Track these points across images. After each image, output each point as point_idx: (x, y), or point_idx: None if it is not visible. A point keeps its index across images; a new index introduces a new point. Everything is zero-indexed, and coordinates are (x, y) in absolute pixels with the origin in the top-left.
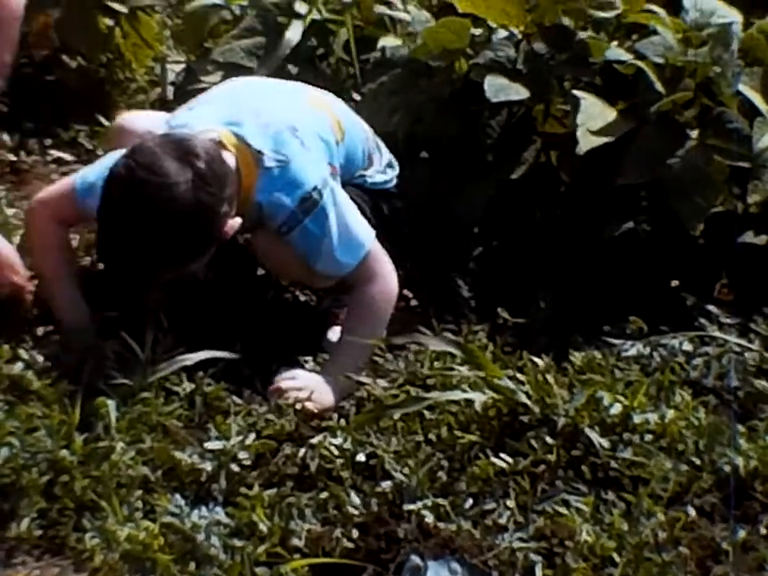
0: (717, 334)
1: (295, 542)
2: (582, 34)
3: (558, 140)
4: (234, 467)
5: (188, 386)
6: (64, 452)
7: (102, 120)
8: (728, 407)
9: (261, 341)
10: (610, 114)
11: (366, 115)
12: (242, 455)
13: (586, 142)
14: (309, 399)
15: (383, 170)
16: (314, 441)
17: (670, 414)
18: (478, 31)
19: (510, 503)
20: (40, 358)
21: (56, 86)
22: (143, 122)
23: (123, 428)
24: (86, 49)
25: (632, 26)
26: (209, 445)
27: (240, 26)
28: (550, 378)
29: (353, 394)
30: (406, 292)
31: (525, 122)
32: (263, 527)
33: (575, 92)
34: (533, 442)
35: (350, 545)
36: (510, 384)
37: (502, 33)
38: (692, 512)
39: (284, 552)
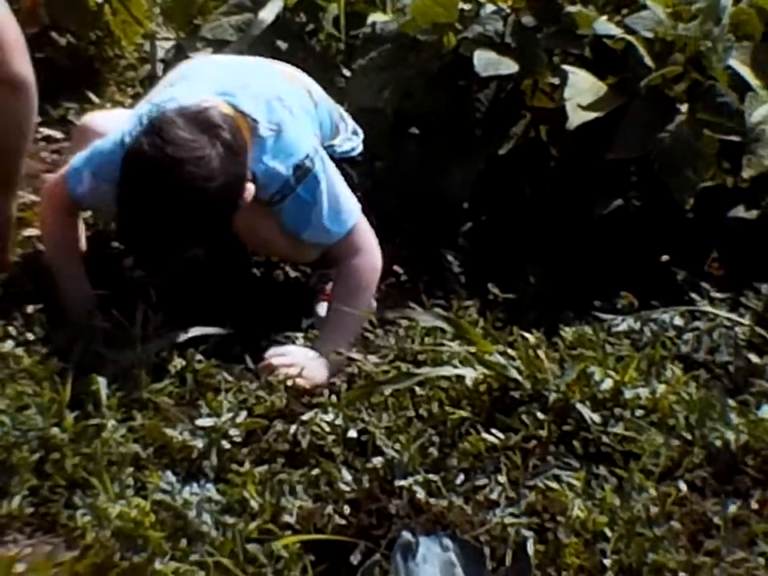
0: (707, 308)
1: (286, 518)
2: (571, 8)
3: (548, 115)
4: (225, 444)
5: (179, 364)
6: (55, 430)
7: (92, 97)
8: (719, 381)
9: (251, 317)
10: (600, 89)
11: (356, 91)
12: (233, 432)
13: (576, 117)
14: (299, 375)
15: (349, 137)
16: (305, 417)
17: (661, 388)
18: (466, 5)
19: (502, 479)
20: (30, 336)
21: (45, 64)
22: (108, 121)
23: (114, 405)
24: (75, 26)
25: (622, 0)
26: (200, 422)
27: (229, 2)
28: (540, 353)
29: (343, 369)
30: (396, 268)
31: (514, 97)
32: (254, 504)
33: (564, 66)
34: (524, 417)
35: (342, 521)
36: (501, 359)
37: (491, 7)
38: (683, 487)
39: (275, 529)
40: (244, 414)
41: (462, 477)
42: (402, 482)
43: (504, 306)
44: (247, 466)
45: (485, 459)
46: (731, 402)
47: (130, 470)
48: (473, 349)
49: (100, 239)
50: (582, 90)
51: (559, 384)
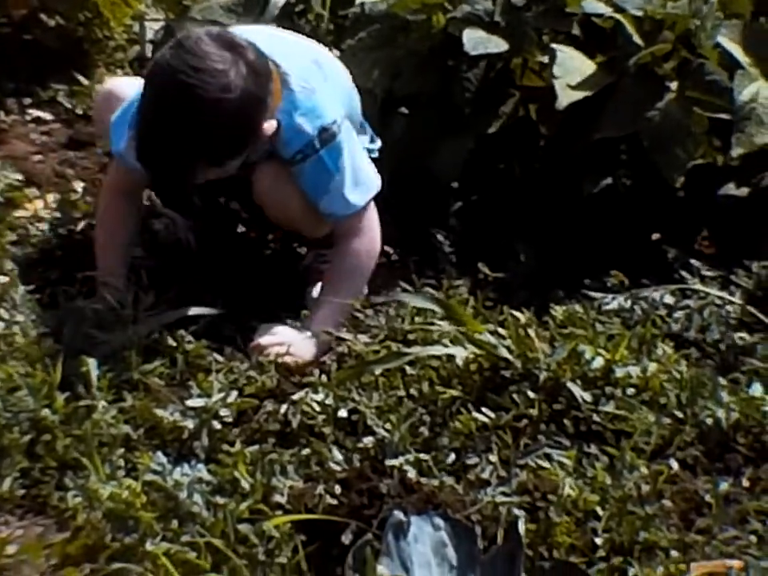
0: (698, 286)
1: (277, 498)
2: None
3: (537, 93)
4: (216, 424)
5: (169, 344)
6: (46, 411)
7: (81, 79)
8: (710, 360)
9: (242, 298)
10: (589, 68)
11: None
12: (223, 412)
13: (565, 96)
14: (287, 353)
15: (367, 142)
16: (296, 397)
17: (652, 367)
18: None
19: (493, 458)
20: (21, 318)
21: (34, 46)
22: (131, 86)
23: (105, 387)
24: (64, 8)
25: None
26: (190, 402)
27: None
28: (531, 332)
29: (333, 348)
30: (386, 248)
31: (503, 76)
32: (245, 484)
33: (553, 45)
34: (515, 396)
35: (333, 501)
36: (492, 339)
37: None
38: (675, 465)
39: (266, 509)
40: (235, 394)
41: (452, 456)
42: (393, 462)
43: (494, 285)
44: (238, 446)
45: (476, 438)
46: (722, 381)
47: (121, 451)
48: (463, 328)
49: None
50: (571, 69)
51: (550, 363)
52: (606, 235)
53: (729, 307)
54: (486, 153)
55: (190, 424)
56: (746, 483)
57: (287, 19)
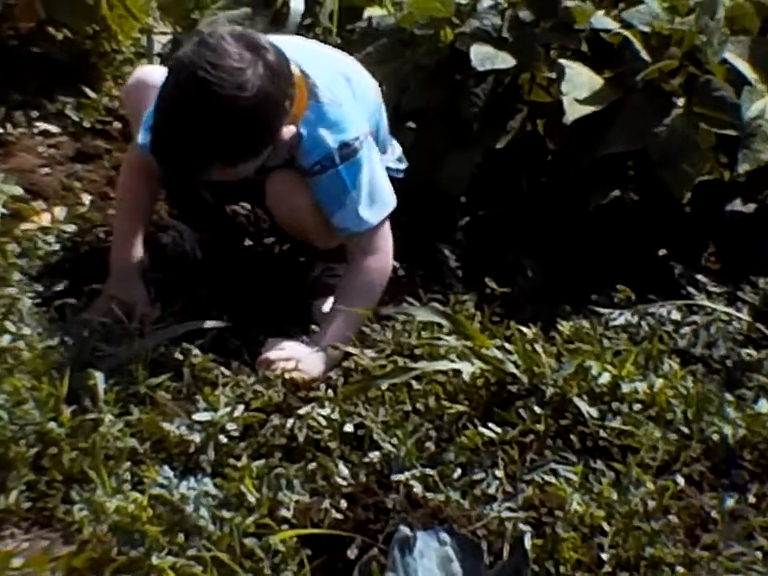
0: (705, 302)
1: (283, 512)
2: (568, 2)
3: (545, 109)
4: (223, 438)
5: (176, 358)
6: (52, 424)
7: (89, 92)
8: (716, 376)
9: (249, 311)
10: (597, 83)
11: None
12: (230, 426)
13: (573, 111)
14: (296, 369)
15: (394, 160)
16: (302, 412)
17: (659, 382)
18: (463, 0)
19: (499, 473)
20: (27, 331)
21: (42, 59)
22: (161, 73)
23: (111, 400)
24: (71, 21)
25: None
26: (197, 416)
27: None
28: (538, 347)
29: (340, 364)
30: (393, 262)
31: (511, 91)
32: (251, 498)
33: (561, 61)
34: (521, 411)
35: (339, 515)
36: (498, 354)
37: (488, 1)
38: (681, 481)
39: (272, 523)
40: (241, 408)
41: (459, 471)
42: (399, 477)
43: (501, 300)
44: (244, 460)
45: (482, 453)
46: (728, 397)
47: (127, 464)
48: (470, 343)
49: None
50: (578, 85)
51: (556, 378)
52: (612, 250)
53: (735, 323)
54: (493, 167)
55: (196, 438)
56: (752, 499)
57: (295, 33)
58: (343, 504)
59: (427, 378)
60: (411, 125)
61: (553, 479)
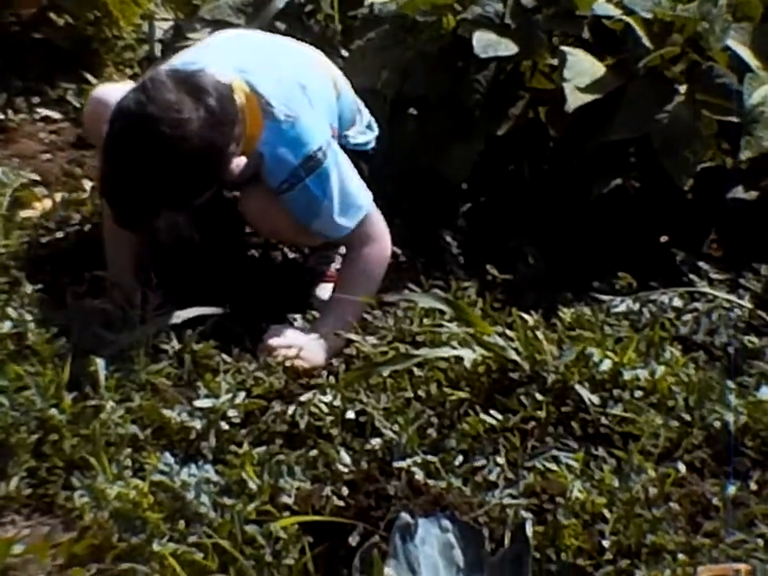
0: (706, 289)
1: (285, 499)
2: None
3: (547, 96)
4: (224, 425)
5: (177, 344)
6: (53, 411)
7: (90, 78)
8: (718, 363)
9: (249, 298)
10: (599, 70)
11: (354, 72)
12: (231, 413)
13: (575, 99)
14: (298, 357)
15: (364, 130)
16: (304, 398)
17: (660, 370)
18: None
19: (500, 460)
20: (29, 317)
21: (43, 45)
22: (120, 92)
23: (112, 387)
24: (73, 7)
25: None
26: (198, 403)
27: None
28: (539, 334)
29: (342, 351)
30: (394, 249)
31: (513, 78)
32: (253, 485)
33: (563, 48)
34: (523, 398)
35: (340, 502)
36: (500, 340)
37: None
38: (682, 468)
39: (273, 510)
40: (242, 395)
41: (460, 458)
42: (401, 464)
43: (502, 287)
44: (245, 447)
45: (483, 440)
46: (730, 384)
47: (128, 451)
48: (471, 330)
49: None
50: (580, 71)
51: (558, 365)
52: (614, 237)
53: (737, 310)
54: (495, 154)
55: (197, 424)
56: (753, 487)
57: (296, 20)
58: (345, 491)
59: (429, 364)
60: (413, 111)
61: (554, 466)
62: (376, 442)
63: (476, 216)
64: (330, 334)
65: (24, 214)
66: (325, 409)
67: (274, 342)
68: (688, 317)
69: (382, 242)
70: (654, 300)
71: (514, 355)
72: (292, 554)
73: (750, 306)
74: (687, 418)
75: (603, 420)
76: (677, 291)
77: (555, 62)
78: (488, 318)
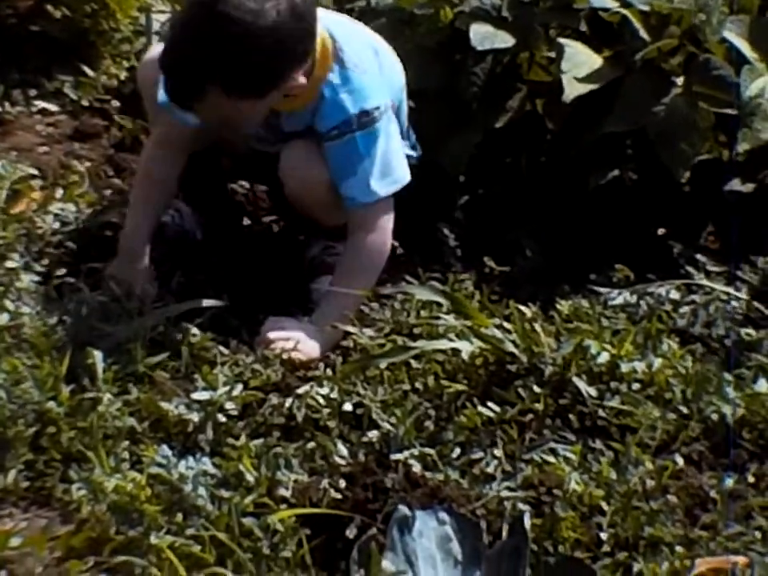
0: (704, 281)
1: (282, 492)
2: None
3: (544, 88)
4: (221, 417)
5: (175, 337)
6: (51, 403)
7: (87, 70)
8: (715, 355)
9: (247, 290)
10: (596, 62)
11: None
12: (228, 405)
13: (572, 90)
14: (295, 349)
15: (409, 148)
16: (301, 391)
17: (658, 362)
18: None
19: (498, 452)
20: (26, 309)
21: (40, 37)
22: None
23: (110, 379)
24: None
25: None
26: (195, 395)
27: None
28: (537, 326)
29: (339, 344)
30: (392, 241)
31: (510, 70)
32: (250, 478)
33: (560, 40)
34: (520, 390)
35: (337, 495)
36: (497, 333)
37: None
38: (680, 460)
39: (271, 502)
40: (240, 387)
41: (458, 450)
42: (398, 456)
43: (500, 279)
44: (243, 439)
45: (481, 433)
46: (727, 376)
47: (126, 443)
48: (469, 322)
49: None
50: (577, 64)
51: (555, 357)
52: (611, 230)
53: (734, 302)
54: (492, 147)
55: (194, 417)
56: (750, 479)
57: None
58: (342, 483)
59: (426, 357)
60: (410, 104)
61: (552, 459)
62: (373, 434)
63: (473, 208)
64: (327, 326)
65: (21, 206)
66: (322, 401)
67: (271, 334)
68: (685, 309)
69: (385, 232)
70: (651, 292)
71: (511, 347)
72: (289, 546)
73: (747, 298)
74: (685, 410)
75: (601, 412)
76: (674, 284)
77: (552, 54)
78: (485, 311)
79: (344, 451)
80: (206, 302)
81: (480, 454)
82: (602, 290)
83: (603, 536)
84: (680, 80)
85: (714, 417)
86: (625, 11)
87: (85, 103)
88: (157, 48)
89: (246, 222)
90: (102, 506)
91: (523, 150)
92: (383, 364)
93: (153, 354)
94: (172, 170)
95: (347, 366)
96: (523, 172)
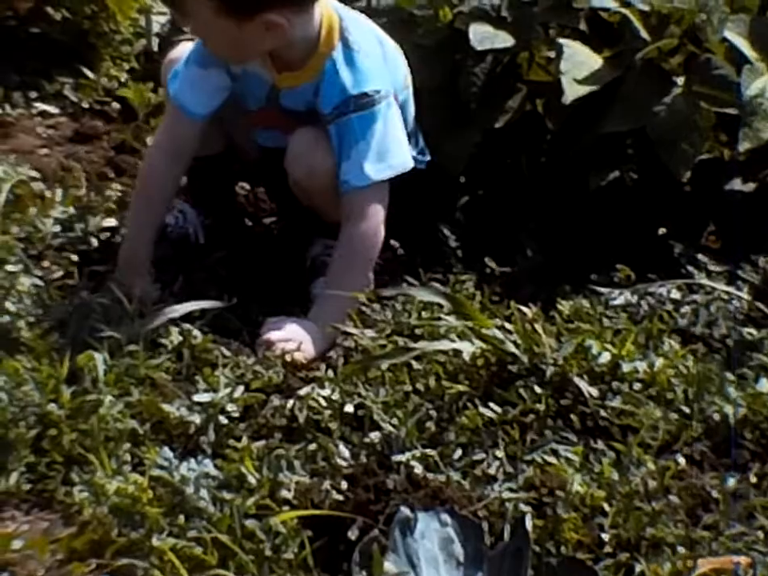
0: (705, 281)
1: (284, 494)
2: None
3: (544, 88)
4: (223, 419)
5: (175, 339)
6: (52, 406)
7: (87, 72)
8: (717, 355)
9: (248, 291)
10: (596, 62)
11: None
12: (230, 407)
13: (572, 91)
14: (297, 350)
15: (417, 152)
16: (302, 392)
17: (659, 362)
18: None
19: (499, 453)
20: (27, 311)
21: (40, 39)
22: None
23: (111, 381)
24: (70, 1)
25: None
26: (197, 397)
27: None
28: (537, 327)
29: (339, 343)
30: (392, 242)
31: (510, 70)
32: (252, 479)
33: (560, 40)
34: (521, 391)
35: (339, 497)
36: (498, 333)
37: None
38: (682, 461)
39: (273, 504)
40: (241, 389)
41: (459, 451)
42: (400, 457)
43: (501, 279)
44: (245, 441)
45: (482, 434)
46: (729, 376)
47: (127, 445)
48: (470, 323)
49: None
50: (577, 64)
51: (557, 358)
52: (612, 230)
53: (735, 302)
54: (492, 147)
55: (196, 419)
56: (753, 479)
57: None
58: (344, 485)
59: (427, 358)
60: None
61: (553, 459)
62: (375, 435)
63: (474, 209)
64: (327, 325)
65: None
66: (323, 403)
67: (272, 336)
68: (686, 309)
69: (377, 220)
70: (652, 292)
71: (512, 348)
72: (291, 548)
73: (748, 297)
74: (686, 410)
75: (602, 413)
76: (675, 283)
77: (552, 54)
78: (486, 311)
79: (346, 453)
80: (207, 304)
81: (482, 455)
82: (603, 290)
83: (605, 537)
84: (680, 80)
85: (716, 417)
86: (625, 11)
87: (85, 105)
88: (181, 47)
89: (248, 223)
90: (104, 509)
91: (523, 150)
92: (384, 365)
93: (154, 355)
94: (173, 175)
95: (348, 368)
96: (524, 172)
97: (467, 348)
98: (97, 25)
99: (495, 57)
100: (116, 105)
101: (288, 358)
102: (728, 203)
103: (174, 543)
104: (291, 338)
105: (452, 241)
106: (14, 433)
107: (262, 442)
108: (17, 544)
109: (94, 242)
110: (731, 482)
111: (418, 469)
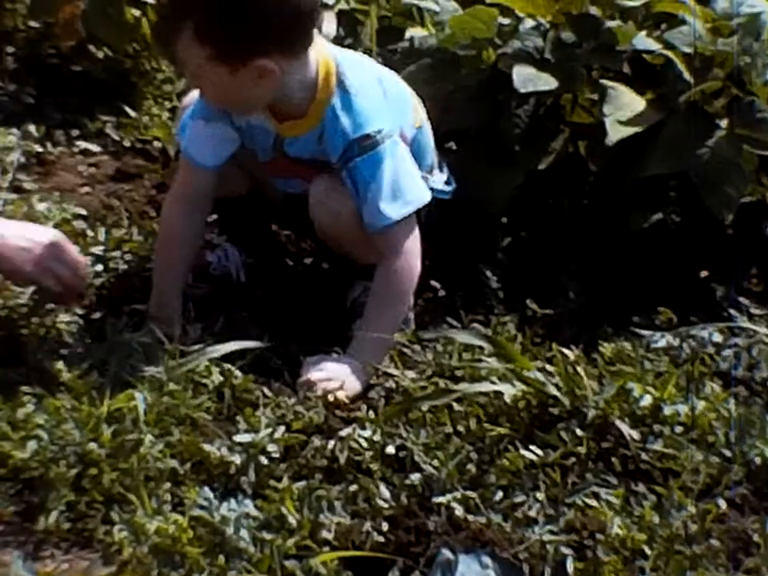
0: (746, 324)
1: (325, 534)
2: (610, 23)
3: (587, 130)
4: (263, 460)
5: (216, 378)
6: (92, 445)
7: (129, 111)
8: (758, 398)
9: (289, 331)
10: (639, 104)
11: None
12: (270, 448)
13: (615, 133)
14: (340, 389)
15: (442, 184)
16: (343, 433)
17: (701, 405)
18: (505, 20)
19: (540, 496)
20: (67, 351)
21: (83, 77)
22: None
23: (151, 421)
24: (112, 39)
25: (660, 15)
26: (238, 437)
27: None
28: (579, 369)
29: (380, 384)
30: (433, 283)
31: (553, 112)
32: (292, 520)
33: (603, 81)
34: (563, 434)
35: (380, 538)
36: (540, 376)
37: (530, 22)
38: (723, 504)
39: (313, 545)
40: (282, 429)
41: (500, 494)
42: (441, 499)
43: (542, 321)
44: (285, 481)
45: (523, 476)
46: None
47: (168, 485)
48: (511, 365)
49: None
50: (620, 106)
51: (598, 400)
52: (654, 272)
53: None
54: (535, 188)
55: (237, 459)
56: None
57: None
58: (384, 526)
59: (468, 399)
60: (452, 145)
61: (594, 502)
62: (416, 477)
63: (516, 250)
64: (366, 364)
65: None
66: (364, 444)
67: (313, 376)
68: (728, 352)
69: (412, 255)
70: (694, 335)
71: (554, 390)
72: None
73: None
74: (728, 453)
75: (643, 456)
76: (717, 326)
77: (595, 96)
78: (528, 353)
79: (386, 494)
80: (249, 344)
81: (522, 498)
82: (644, 332)
83: None
84: (724, 122)
85: (758, 460)
86: (668, 53)
87: (126, 144)
88: (193, 93)
89: (289, 262)
90: (144, 548)
91: (565, 191)
92: (425, 407)
93: (195, 395)
94: (191, 224)
95: (390, 409)
96: (566, 214)
97: (508, 390)
98: (139, 63)
99: (538, 98)
100: (157, 143)
101: (331, 397)
102: None
103: None
104: (332, 377)
105: (493, 282)
106: (54, 472)
107: (302, 483)
108: None
109: (136, 281)
110: None
111: (459, 511)
